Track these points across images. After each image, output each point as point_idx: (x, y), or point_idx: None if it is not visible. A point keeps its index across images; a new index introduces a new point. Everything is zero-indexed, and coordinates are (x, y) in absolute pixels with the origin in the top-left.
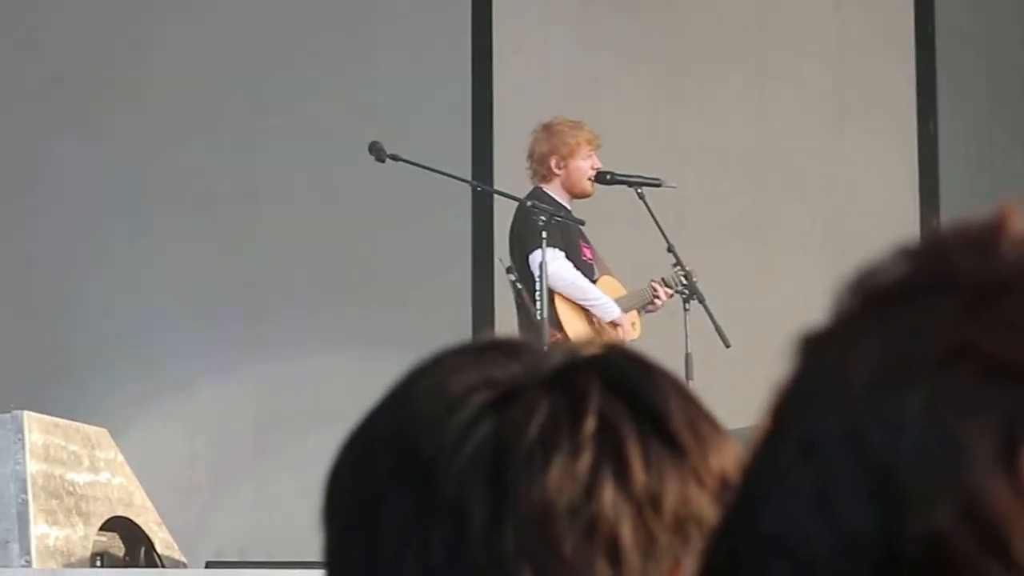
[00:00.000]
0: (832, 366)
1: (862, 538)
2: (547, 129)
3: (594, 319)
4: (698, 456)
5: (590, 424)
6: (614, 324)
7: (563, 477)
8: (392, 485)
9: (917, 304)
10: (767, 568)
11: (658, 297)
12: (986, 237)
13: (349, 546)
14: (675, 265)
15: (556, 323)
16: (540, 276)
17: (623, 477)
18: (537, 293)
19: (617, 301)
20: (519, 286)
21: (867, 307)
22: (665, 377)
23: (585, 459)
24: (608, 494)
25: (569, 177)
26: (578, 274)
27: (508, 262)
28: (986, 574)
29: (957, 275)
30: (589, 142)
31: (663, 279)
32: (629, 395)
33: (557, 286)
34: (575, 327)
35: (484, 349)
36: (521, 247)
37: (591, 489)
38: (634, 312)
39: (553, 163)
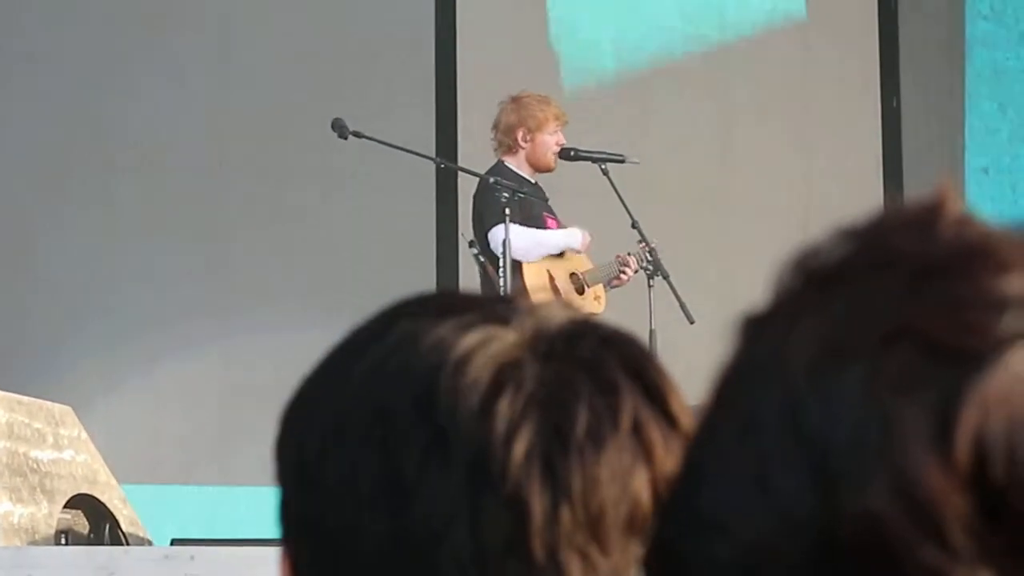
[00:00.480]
0: (772, 345)
1: (799, 518)
2: (516, 101)
3: (558, 287)
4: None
5: (627, 418)
6: (584, 246)
7: (611, 472)
8: (428, 463)
9: (857, 284)
10: (708, 549)
11: (624, 271)
12: (924, 218)
13: (366, 517)
14: (640, 241)
15: (524, 295)
16: (503, 251)
17: (651, 465)
18: (501, 269)
19: (584, 275)
20: (482, 259)
21: (808, 287)
22: (654, 355)
23: (627, 454)
24: (642, 484)
25: (535, 150)
26: (535, 230)
27: (471, 235)
28: (921, 556)
29: (896, 256)
30: (556, 117)
31: (629, 253)
32: (641, 377)
33: (523, 255)
34: (541, 296)
35: (467, 307)
36: (481, 223)
37: (629, 481)
38: (600, 285)
39: (520, 135)
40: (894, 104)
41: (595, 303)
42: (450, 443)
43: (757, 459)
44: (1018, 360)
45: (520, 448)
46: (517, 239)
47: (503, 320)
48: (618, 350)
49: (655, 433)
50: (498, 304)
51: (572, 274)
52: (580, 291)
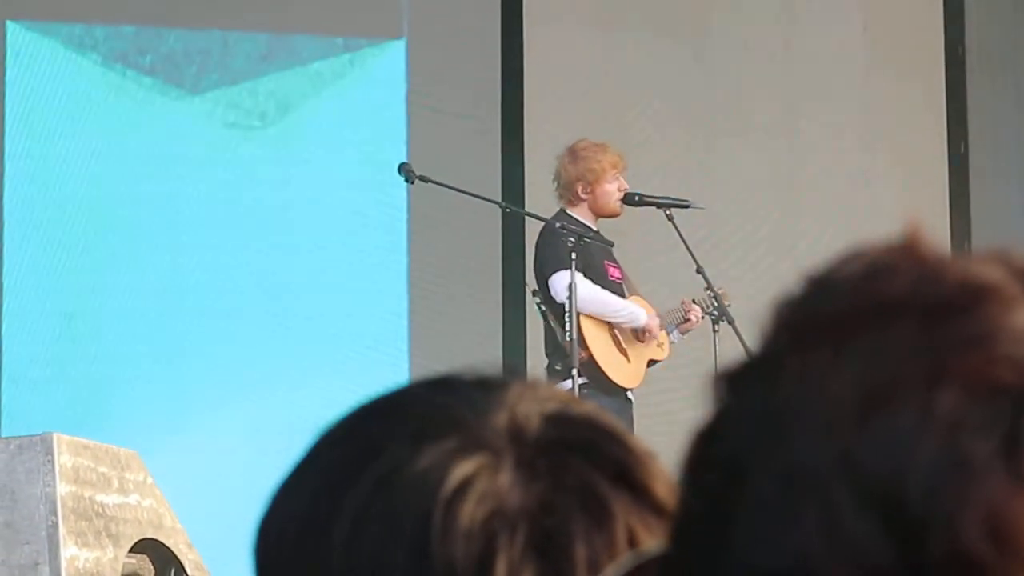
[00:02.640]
0: (799, 396)
1: (879, 566)
2: (572, 154)
3: (618, 336)
4: None
5: (622, 539)
6: (645, 330)
7: None
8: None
9: (872, 331)
10: None
11: (690, 316)
12: (909, 260)
13: None
14: (706, 288)
15: (581, 342)
16: (569, 297)
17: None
18: (567, 315)
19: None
20: (543, 309)
21: (808, 339)
22: (631, 440)
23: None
24: None
25: (596, 201)
26: (599, 288)
27: (534, 286)
28: None
29: (898, 299)
30: (614, 165)
31: (694, 300)
32: (627, 479)
33: (582, 305)
34: (600, 345)
35: (436, 421)
36: (543, 269)
37: None
38: (663, 333)
39: (580, 189)
40: (962, 149)
41: (658, 350)
42: None
43: (818, 509)
44: None
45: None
46: (581, 289)
47: (478, 438)
48: (601, 455)
49: (648, 537)
50: (468, 409)
51: None
52: (640, 338)
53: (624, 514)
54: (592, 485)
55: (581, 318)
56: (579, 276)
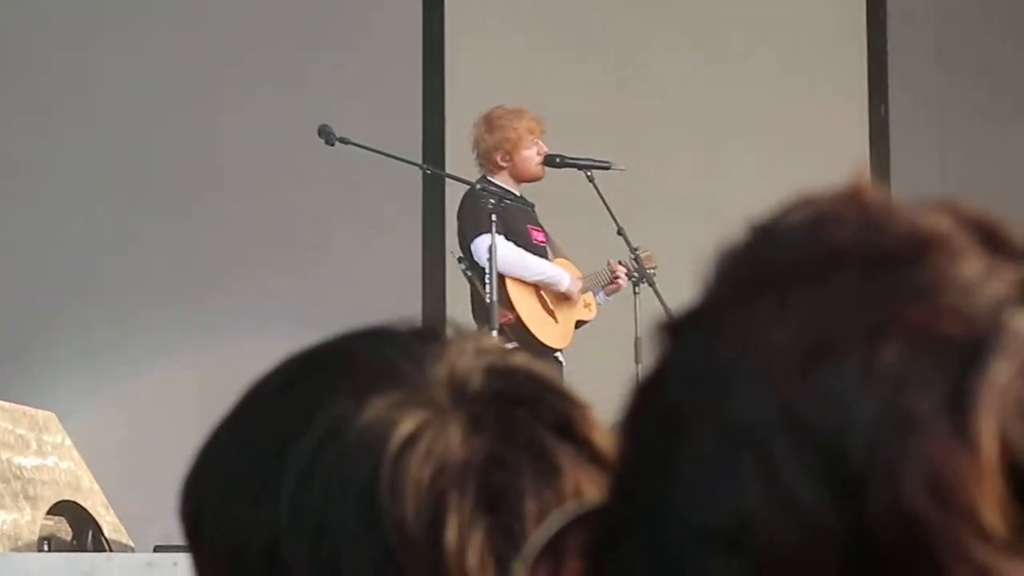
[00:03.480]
0: (738, 348)
1: (821, 522)
2: (488, 122)
3: (544, 297)
4: None
5: (570, 491)
6: (566, 295)
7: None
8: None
9: (815, 282)
10: (716, 563)
11: (618, 277)
12: (855, 209)
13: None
14: (631, 251)
15: (507, 304)
16: (489, 259)
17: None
18: (487, 276)
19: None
20: (468, 273)
21: (751, 287)
22: (568, 390)
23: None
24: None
25: (516, 167)
26: (522, 251)
27: (458, 251)
28: (958, 543)
29: (845, 249)
30: (531, 131)
31: (620, 261)
32: (570, 430)
33: (504, 268)
34: (526, 307)
35: (376, 371)
36: (464, 234)
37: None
38: (589, 293)
39: (499, 157)
40: (882, 112)
41: (586, 311)
42: (400, 561)
43: (757, 464)
44: (1015, 345)
45: (474, 557)
46: (504, 251)
47: (422, 392)
48: (545, 408)
49: (593, 489)
50: (409, 361)
51: None
52: (567, 298)
53: (571, 467)
54: (539, 439)
55: (507, 281)
56: (500, 239)
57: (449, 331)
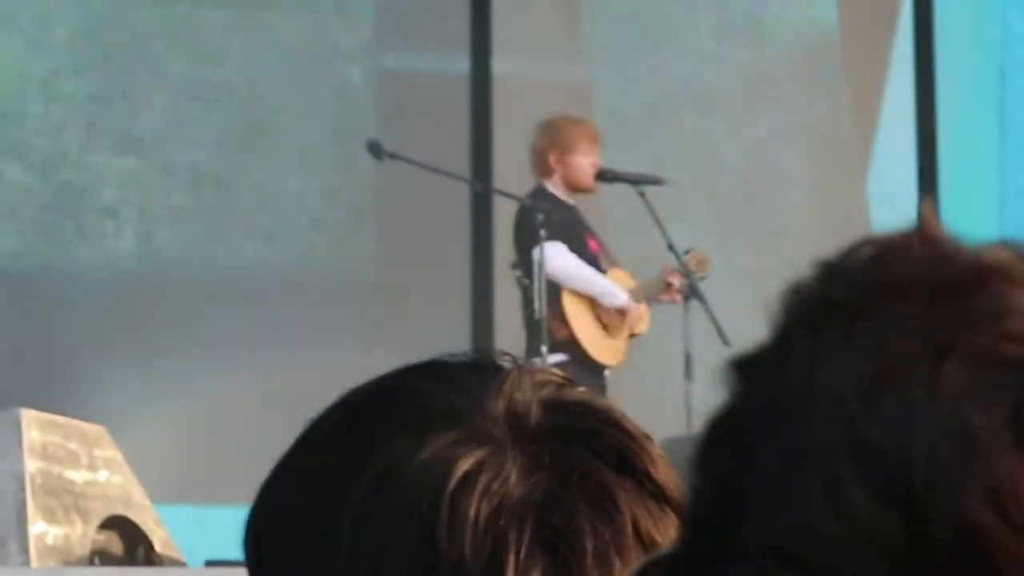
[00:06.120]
0: (805, 377)
1: (885, 540)
2: (547, 124)
3: (600, 312)
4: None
5: (628, 528)
6: (621, 311)
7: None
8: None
9: (882, 311)
10: None
11: (671, 285)
12: (920, 243)
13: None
14: (678, 266)
15: (562, 318)
16: (539, 272)
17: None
18: (536, 290)
19: (631, 292)
20: (525, 282)
21: (819, 323)
22: (628, 423)
23: (632, 559)
24: None
25: (568, 172)
26: (582, 264)
27: (515, 263)
28: (1019, 556)
29: (908, 280)
30: (589, 138)
31: (674, 268)
32: (628, 465)
33: (562, 278)
34: (581, 322)
35: (432, 409)
36: (523, 245)
37: None
38: (643, 306)
39: (552, 158)
40: (930, 127)
41: (639, 323)
42: None
43: (824, 483)
44: None
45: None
46: (565, 261)
47: (479, 429)
48: (603, 443)
49: (651, 526)
50: (466, 397)
51: None
52: (622, 312)
53: (629, 504)
54: (597, 476)
55: (564, 294)
56: (563, 249)
57: (504, 362)
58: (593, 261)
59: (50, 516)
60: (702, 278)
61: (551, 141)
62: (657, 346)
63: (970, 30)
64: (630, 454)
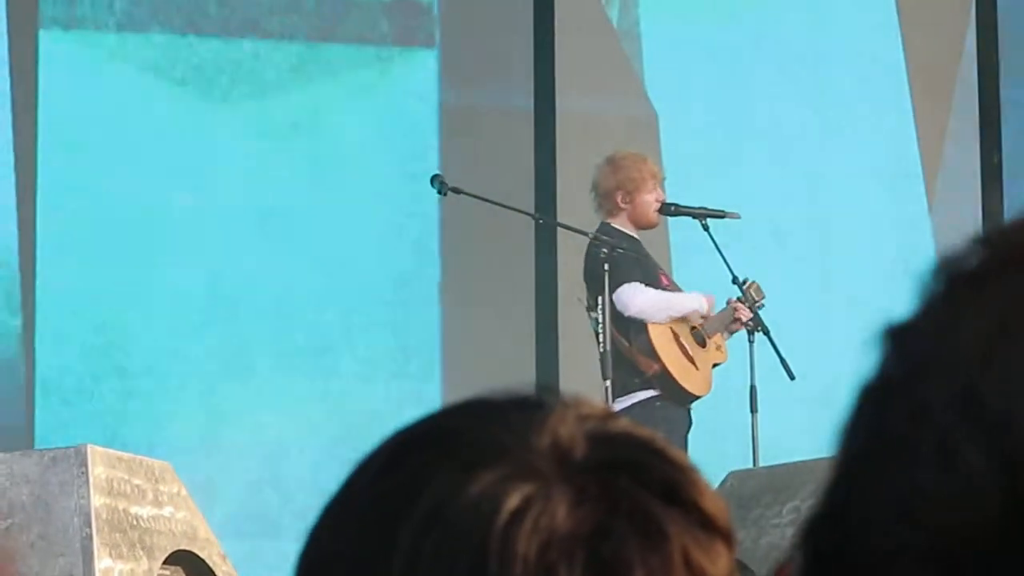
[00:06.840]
0: (935, 341)
1: (988, 495)
2: (612, 163)
3: (684, 344)
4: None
5: (679, 560)
6: (702, 343)
7: None
8: None
9: (1008, 279)
10: (895, 541)
11: (740, 314)
12: None
13: None
14: (740, 298)
15: (652, 354)
16: (605, 311)
17: None
18: (599, 327)
19: (702, 326)
20: (600, 322)
21: (958, 288)
22: (674, 454)
23: None
24: None
25: (635, 211)
26: (661, 292)
27: (586, 300)
28: None
29: None
30: (654, 176)
31: (738, 299)
32: (676, 495)
33: (650, 315)
34: (671, 355)
35: (481, 445)
36: (596, 284)
37: None
38: (719, 335)
39: (619, 198)
40: (995, 160)
41: (718, 353)
42: None
43: (937, 442)
44: None
45: None
46: (646, 299)
47: (526, 464)
48: (650, 474)
49: (701, 555)
50: (511, 433)
51: (692, 328)
52: (702, 344)
53: (678, 534)
54: (644, 506)
55: (650, 329)
56: (641, 287)
57: (549, 398)
58: None
59: (116, 552)
60: (760, 305)
61: (616, 182)
62: (721, 379)
63: None
64: (677, 484)
